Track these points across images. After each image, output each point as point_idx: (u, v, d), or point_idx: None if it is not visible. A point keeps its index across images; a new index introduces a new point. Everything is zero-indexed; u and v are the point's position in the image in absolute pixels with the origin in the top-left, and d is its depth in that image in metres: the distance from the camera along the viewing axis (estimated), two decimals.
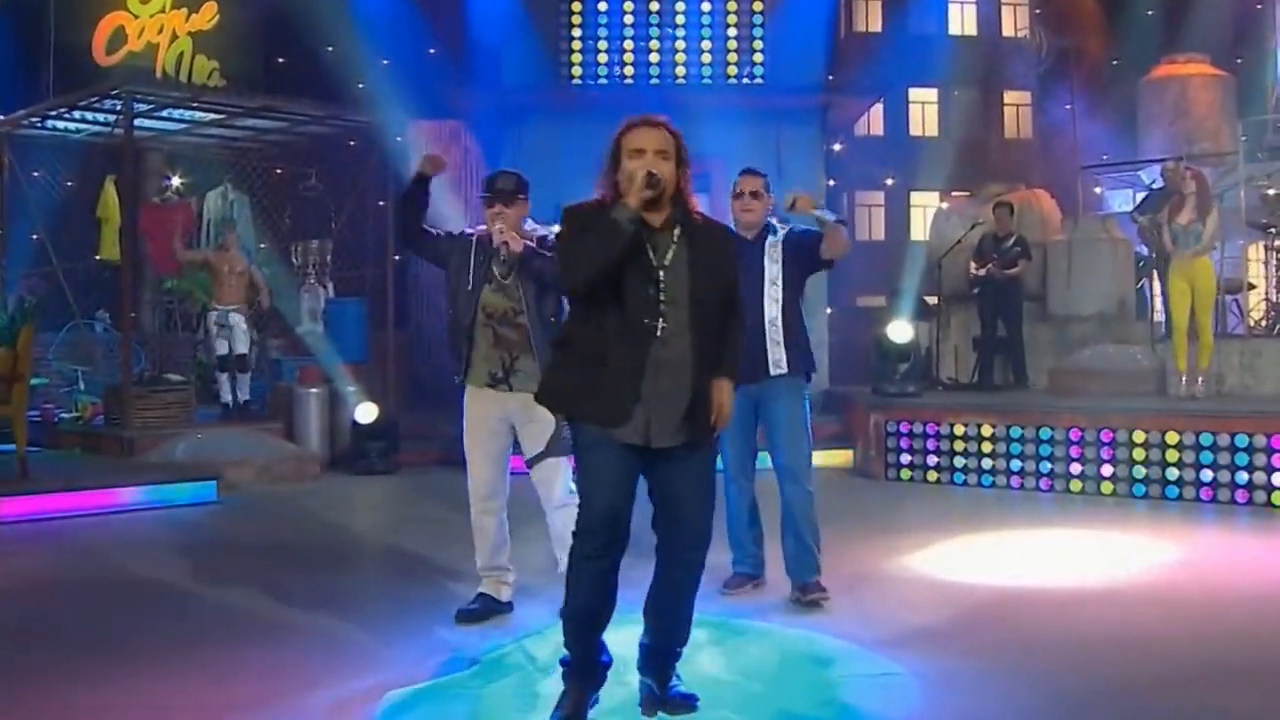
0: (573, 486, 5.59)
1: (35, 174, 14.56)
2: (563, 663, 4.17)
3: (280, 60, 17.03)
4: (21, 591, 6.63)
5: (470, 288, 5.60)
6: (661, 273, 4.02)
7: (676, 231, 4.06)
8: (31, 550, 7.88)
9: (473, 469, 5.70)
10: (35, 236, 14.59)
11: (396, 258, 13.79)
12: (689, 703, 4.17)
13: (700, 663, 4.82)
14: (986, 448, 10.00)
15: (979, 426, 10.07)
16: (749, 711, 4.35)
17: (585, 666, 4.13)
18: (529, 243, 5.53)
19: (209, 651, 5.30)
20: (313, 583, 6.72)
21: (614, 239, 3.90)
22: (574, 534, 4.04)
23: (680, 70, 13.52)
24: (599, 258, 3.92)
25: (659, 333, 3.98)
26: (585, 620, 4.08)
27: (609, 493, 3.99)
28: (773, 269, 5.91)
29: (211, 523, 8.92)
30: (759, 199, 5.98)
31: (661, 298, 4.01)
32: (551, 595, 5.70)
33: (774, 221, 6.09)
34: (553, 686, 4.31)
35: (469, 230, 5.77)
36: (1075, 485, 9.52)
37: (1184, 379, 10.52)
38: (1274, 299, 11.82)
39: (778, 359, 5.86)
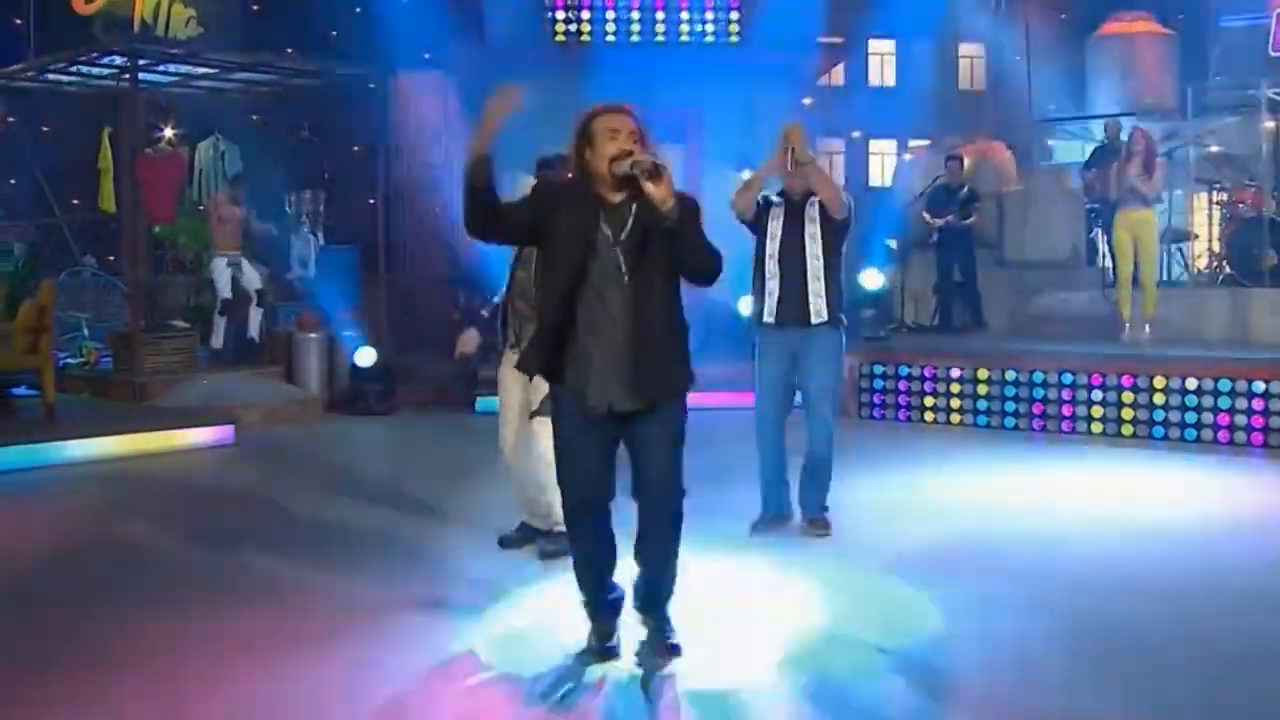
0: None
1: (10, 119, 14.81)
2: (583, 604, 4.64)
3: (255, 8, 17.32)
4: (83, 534, 7.10)
5: (511, 261, 6.32)
6: (618, 249, 4.30)
7: (634, 208, 4.30)
8: (75, 493, 8.33)
9: (501, 416, 6.50)
10: (13, 182, 14.88)
11: (371, 202, 14.30)
12: (672, 653, 4.55)
13: (729, 594, 5.58)
14: (955, 389, 10.76)
15: (948, 369, 10.81)
16: (784, 636, 5.06)
17: (600, 604, 4.61)
18: None
19: (283, 586, 5.90)
20: (361, 520, 7.32)
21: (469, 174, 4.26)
22: (562, 500, 4.54)
23: (661, 29, 14.02)
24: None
25: (618, 303, 4.30)
26: (586, 567, 4.57)
27: (583, 462, 4.42)
28: (811, 228, 6.54)
29: (238, 465, 9.44)
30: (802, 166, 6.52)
31: (623, 273, 4.29)
32: None
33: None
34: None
35: None
36: (1038, 425, 10.32)
37: (1128, 325, 11.30)
38: (1216, 249, 12.64)
39: (819, 308, 6.51)
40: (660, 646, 4.55)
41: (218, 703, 4.37)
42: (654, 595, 4.57)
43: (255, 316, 12.45)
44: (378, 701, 4.33)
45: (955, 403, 10.76)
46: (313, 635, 5.09)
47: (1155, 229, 11.34)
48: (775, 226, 6.61)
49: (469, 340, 7.16)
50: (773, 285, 6.59)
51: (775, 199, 6.70)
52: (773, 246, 6.60)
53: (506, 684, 4.47)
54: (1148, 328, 11.22)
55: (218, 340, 12.31)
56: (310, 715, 4.28)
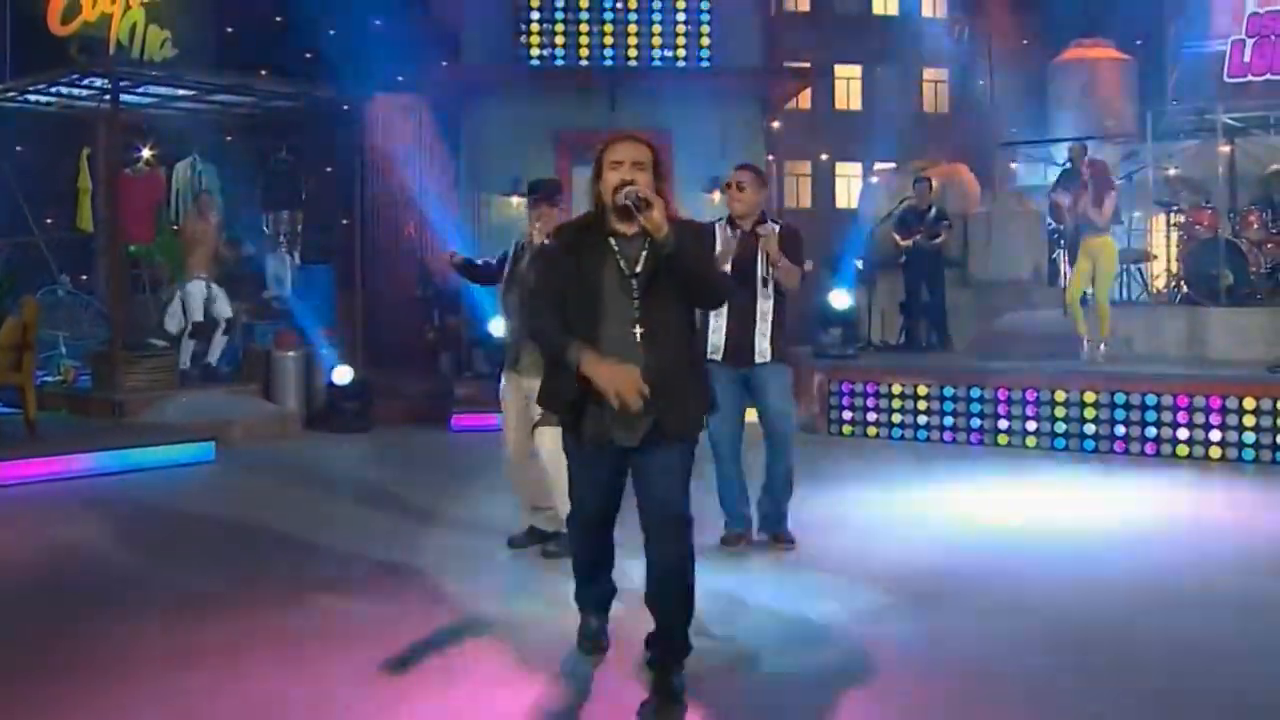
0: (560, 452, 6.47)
1: None
2: (576, 598, 4.93)
3: (229, 30, 17.49)
4: (67, 550, 7.19)
5: (504, 289, 6.64)
6: (634, 281, 4.27)
7: (647, 240, 4.25)
8: (59, 510, 8.40)
9: (504, 432, 6.77)
10: None
11: (345, 221, 14.48)
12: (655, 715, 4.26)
13: (713, 603, 5.74)
14: (922, 405, 11.02)
15: (915, 386, 11.07)
16: (765, 638, 5.31)
17: (592, 598, 4.91)
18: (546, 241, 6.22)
19: (274, 598, 6.07)
20: (348, 532, 7.45)
21: (560, 357, 4.27)
22: (569, 513, 4.75)
23: (633, 53, 14.27)
24: (544, 347, 4.53)
25: (637, 339, 4.26)
26: (586, 567, 4.82)
27: (593, 491, 4.50)
28: (764, 267, 6.50)
29: (221, 481, 9.55)
30: (743, 190, 6.56)
31: (636, 307, 4.26)
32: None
33: (768, 216, 6.72)
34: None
35: (518, 240, 6.74)
36: (1002, 439, 10.58)
37: (1085, 344, 11.56)
38: (1173, 270, 12.98)
39: (763, 350, 6.56)
40: (666, 698, 4.31)
41: (213, 715, 4.48)
42: (668, 644, 4.39)
43: (219, 344, 12.55)
44: (378, 706, 4.49)
45: (922, 419, 11.01)
46: (311, 643, 5.24)
47: (1112, 253, 11.64)
48: (725, 266, 6.42)
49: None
50: (719, 324, 6.55)
51: (723, 229, 6.56)
52: None
53: (503, 686, 4.63)
54: (1103, 347, 11.51)
55: (184, 361, 12.38)
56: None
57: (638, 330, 4.25)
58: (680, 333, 4.38)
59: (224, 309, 12.44)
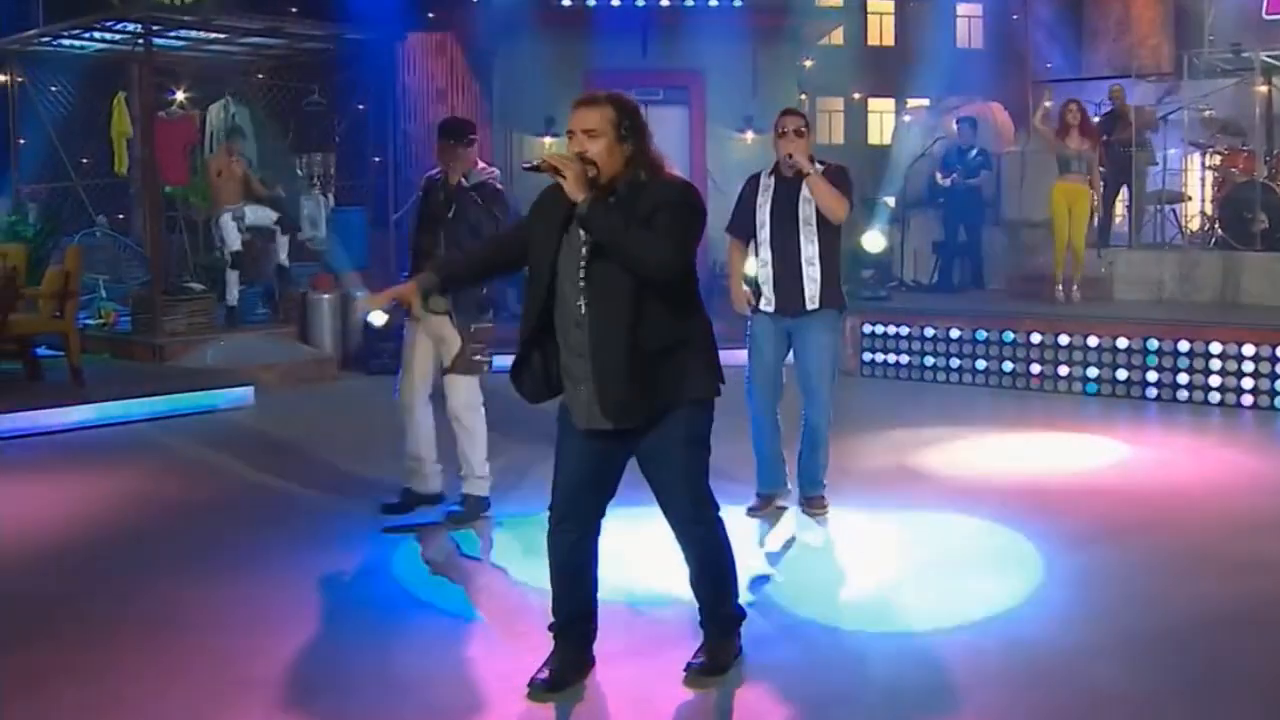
0: (473, 402, 6.38)
1: (20, 80, 14.96)
2: (550, 627, 4.35)
3: None
4: (121, 501, 7.33)
5: (416, 228, 6.47)
6: (584, 249, 3.99)
7: (612, 204, 3.99)
8: (106, 458, 8.53)
9: (401, 375, 6.56)
10: (22, 141, 15.04)
11: (378, 160, 14.52)
12: (710, 671, 4.33)
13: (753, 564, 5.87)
14: (955, 348, 11.07)
15: (947, 329, 11.11)
16: (803, 600, 5.40)
17: (565, 629, 4.30)
18: (463, 182, 6.33)
19: (316, 550, 6.21)
20: (385, 477, 7.61)
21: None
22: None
23: None
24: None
25: (584, 313, 4.00)
26: (558, 582, 4.27)
27: (564, 473, 4.19)
28: (806, 209, 6.28)
29: (262, 425, 9.67)
30: (801, 136, 6.33)
31: (582, 275, 4.00)
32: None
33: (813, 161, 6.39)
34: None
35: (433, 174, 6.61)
36: (1034, 383, 10.62)
37: (1060, 288, 11.76)
38: (1209, 212, 12.87)
39: (812, 294, 6.30)
40: (706, 662, 4.36)
41: (260, 669, 4.59)
42: (712, 619, 4.42)
43: (283, 245, 12.68)
44: (422, 673, 4.64)
45: (955, 362, 11.06)
46: (352, 603, 5.39)
47: (1089, 199, 11.79)
48: (764, 212, 6.41)
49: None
50: (765, 273, 6.41)
51: (765, 178, 6.49)
52: (763, 234, 6.41)
53: (534, 654, 4.75)
54: (1076, 289, 11.70)
55: (232, 296, 12.48)
56: (343, 681, 4.50)
57: (582, 301, 4.00)
58: (636, 303, 3.95)
59: (265, 217, 12.51)
